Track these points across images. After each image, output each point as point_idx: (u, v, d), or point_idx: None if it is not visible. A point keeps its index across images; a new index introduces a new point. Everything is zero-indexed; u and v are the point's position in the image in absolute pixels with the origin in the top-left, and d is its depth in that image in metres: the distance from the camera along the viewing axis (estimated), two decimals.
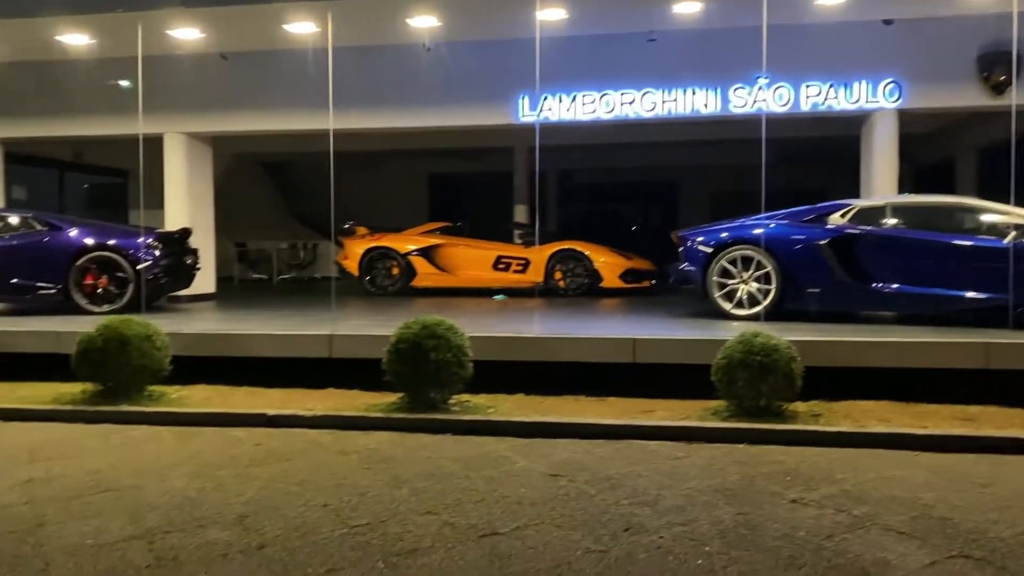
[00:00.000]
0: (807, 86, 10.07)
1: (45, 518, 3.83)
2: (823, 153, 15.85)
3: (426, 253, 12.70)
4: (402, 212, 17.58)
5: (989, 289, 7.20)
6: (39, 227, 9.38)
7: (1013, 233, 7.20)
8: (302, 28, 9.94)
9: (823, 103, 10.08)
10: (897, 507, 3.92)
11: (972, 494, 4.13)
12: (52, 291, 9.13)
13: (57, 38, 10.33)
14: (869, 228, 7.71)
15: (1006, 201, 7.41)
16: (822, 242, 7.68)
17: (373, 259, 12.76)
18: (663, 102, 10.44)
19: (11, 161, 12.71)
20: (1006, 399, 5.95)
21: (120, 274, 9.14)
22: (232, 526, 3.71)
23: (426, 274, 12.67)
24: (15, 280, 9.14)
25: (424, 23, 9.90)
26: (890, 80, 9.95)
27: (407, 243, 12.80)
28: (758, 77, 10.04)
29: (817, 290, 7.71)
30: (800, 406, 5.74)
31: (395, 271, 12.72)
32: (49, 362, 7.01)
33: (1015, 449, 4.95)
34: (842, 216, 7.88)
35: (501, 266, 12.49)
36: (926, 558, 3.32)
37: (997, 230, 7.35)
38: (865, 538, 3.53)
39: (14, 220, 9.47)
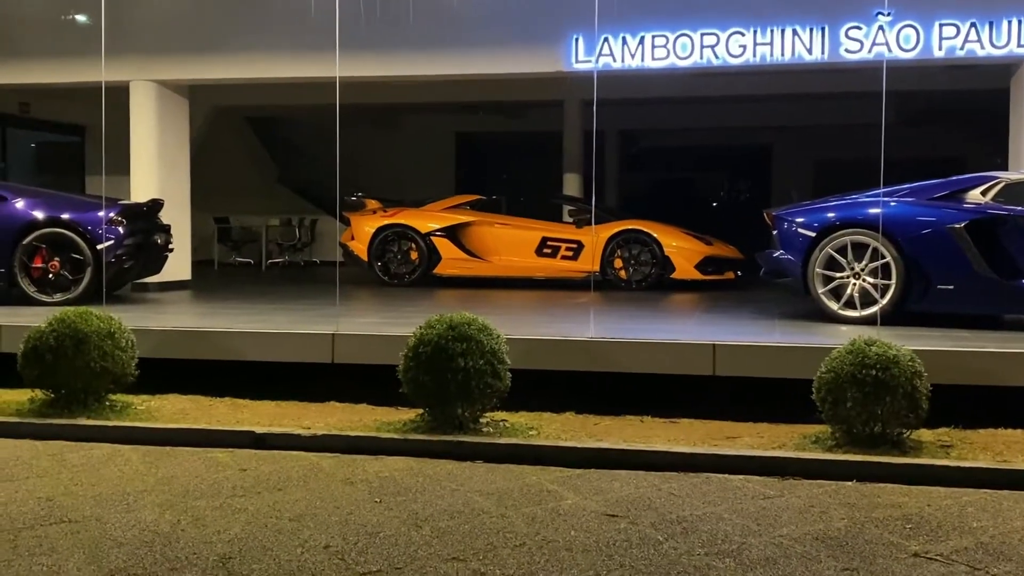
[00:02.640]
0: (941, 25, 9.90)
1: None
2: (961, 111, 15.59)
3: (452, 233, 12.76)
4: (423, 182, 17.67)
5: None
6: None
7: None
8: None
9: (962, 47, 9.91)
10: None
11: None
12: None
13: None
14: (1020, 208, 7.60)
15: None
16: (958, 226, 7.58)
17: (386, 240, 12.85)
18: (755, 45, 10.32)
19: None
20: None
21: (76, 256, 9.32)
22: (212, 569, 3.78)
23: (452, 259, 12.72)
24: None
25: None
26: None
27: (429, 221, 12.87)
28: (878, 14, 9.89)
29: (951, 287, 7.62)
30: (926, 434, 5.69)
31: (413, 255, 12.79)
32: None
33: None
34: (984, 193, 7.78)
35: (547, 250, 12.51)
36: None
37: None
38: None
39: None
